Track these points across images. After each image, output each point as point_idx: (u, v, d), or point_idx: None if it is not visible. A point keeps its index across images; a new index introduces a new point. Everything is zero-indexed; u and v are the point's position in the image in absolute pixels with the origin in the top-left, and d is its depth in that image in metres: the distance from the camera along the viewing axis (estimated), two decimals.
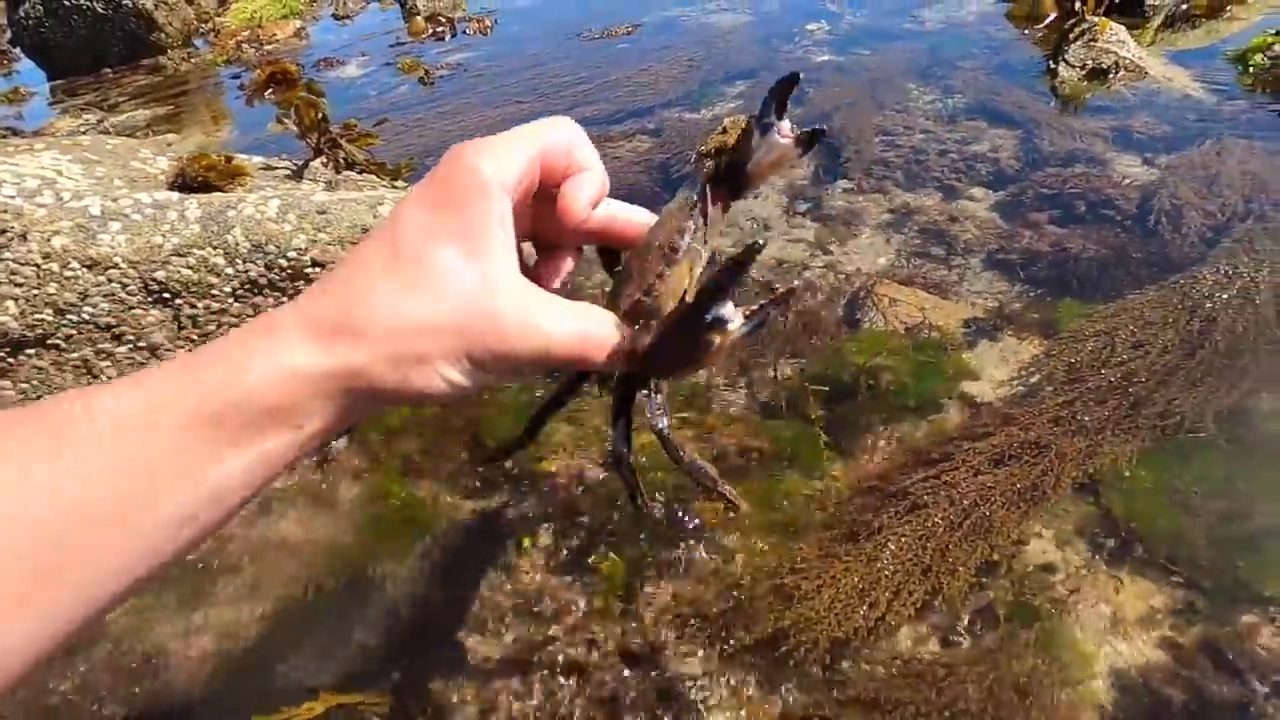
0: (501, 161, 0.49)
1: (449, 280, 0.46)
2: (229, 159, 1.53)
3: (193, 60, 4.82)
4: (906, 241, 2.06)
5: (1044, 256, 1.90)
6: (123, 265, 1.33)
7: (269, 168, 1.89)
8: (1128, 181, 2.13)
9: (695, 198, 0.61)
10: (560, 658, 1.18)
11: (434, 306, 0.46)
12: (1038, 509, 1.26)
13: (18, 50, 5.14)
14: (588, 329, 0.51)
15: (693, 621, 1.18)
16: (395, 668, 1.21)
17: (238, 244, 1.39)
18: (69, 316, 1.32)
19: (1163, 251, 1.84)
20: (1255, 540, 1.21)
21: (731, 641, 1.15)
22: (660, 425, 0.65)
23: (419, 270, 0.46)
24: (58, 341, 1.33)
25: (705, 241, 0.61)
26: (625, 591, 1.24)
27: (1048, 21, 3.27)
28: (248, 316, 1.45)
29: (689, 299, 0.51)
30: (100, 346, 1.36)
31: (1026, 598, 1.18)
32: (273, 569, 1.38)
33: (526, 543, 1.34)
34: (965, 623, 1.16)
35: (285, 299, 1.47)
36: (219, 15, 5.42)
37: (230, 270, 1.40)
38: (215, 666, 1.26)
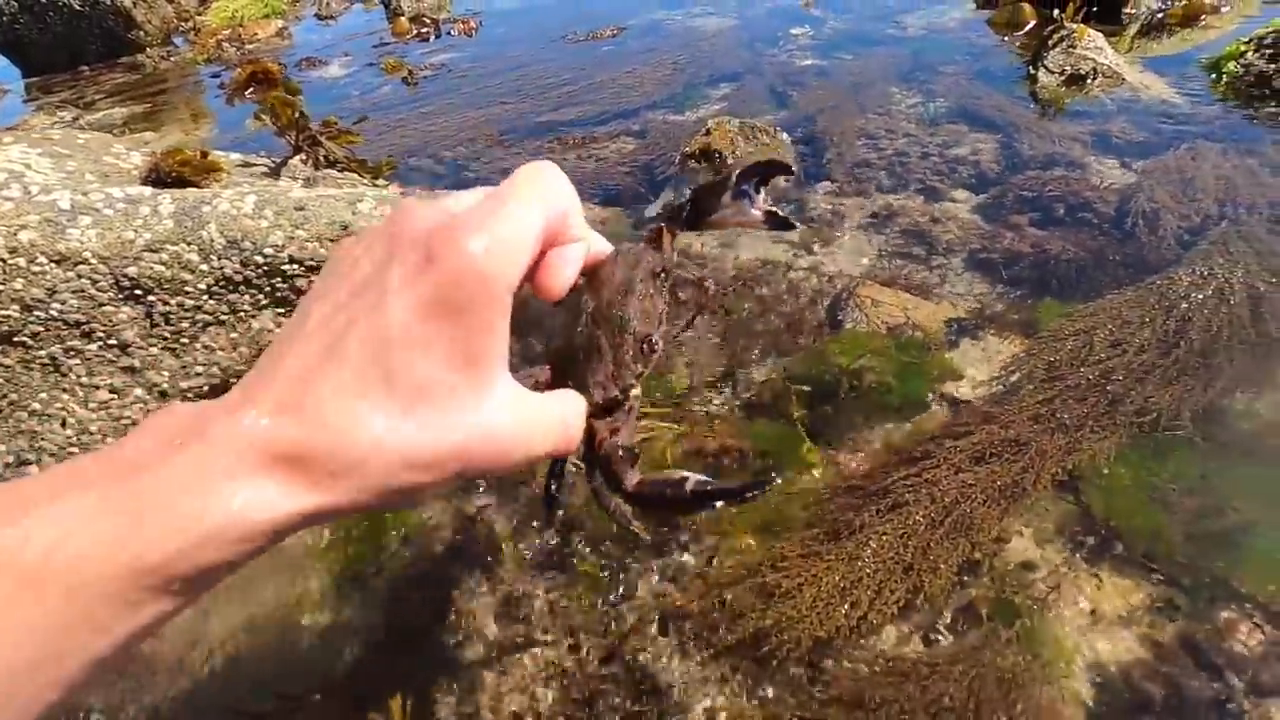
0: (510, 257, 0.41)
1: (447, 405, 0.41)
2: (204, 154, 1.50)
3: (172, 59, 4.76)
4: (889, 243, 2.07)
5: (1024, 257, 1.91)
6: (93, 261, 1.30)
7: (247, 164, 1.86)
8: (1106, 185, 2.16)
9: (663, 268, 0.59)
10: (541, 659, 1.16)
11: (435, 443, 0.40)
12: (1018, 506, 1.26)
13: None
14: (568, 432, 0.49)
15: (674, 621, 1.17)
16: (374, 670, 1.19)
17: (212, 240, 1.37)
18: (36, 313, 1.29)
19: (1140, 253, 1.86)
20: (1231, 537, 1.22)
21: (714, 641, 1.14)
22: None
23: (415, 399, 0.40)
24: (24, 339, 1.29)
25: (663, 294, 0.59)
26: (607, 592, 1.23)
27: (1027, 28, 3.31)
28: (222, 314, 1.42)
29: (686, 483, 0.50)
30: (69, 344, 1.33)
31: (1008, 595, 1.18)
32: (248, 573, 1.35)
33: (507, 545, 1.33)
34: (948, 620, 1.16)
35: (262, 296, 1.44)
36: (199, 14, 5.36)
37: (205, 267, 1.37)
38: (189, 671, 1.23)
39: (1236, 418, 1.41)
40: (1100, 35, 2.89)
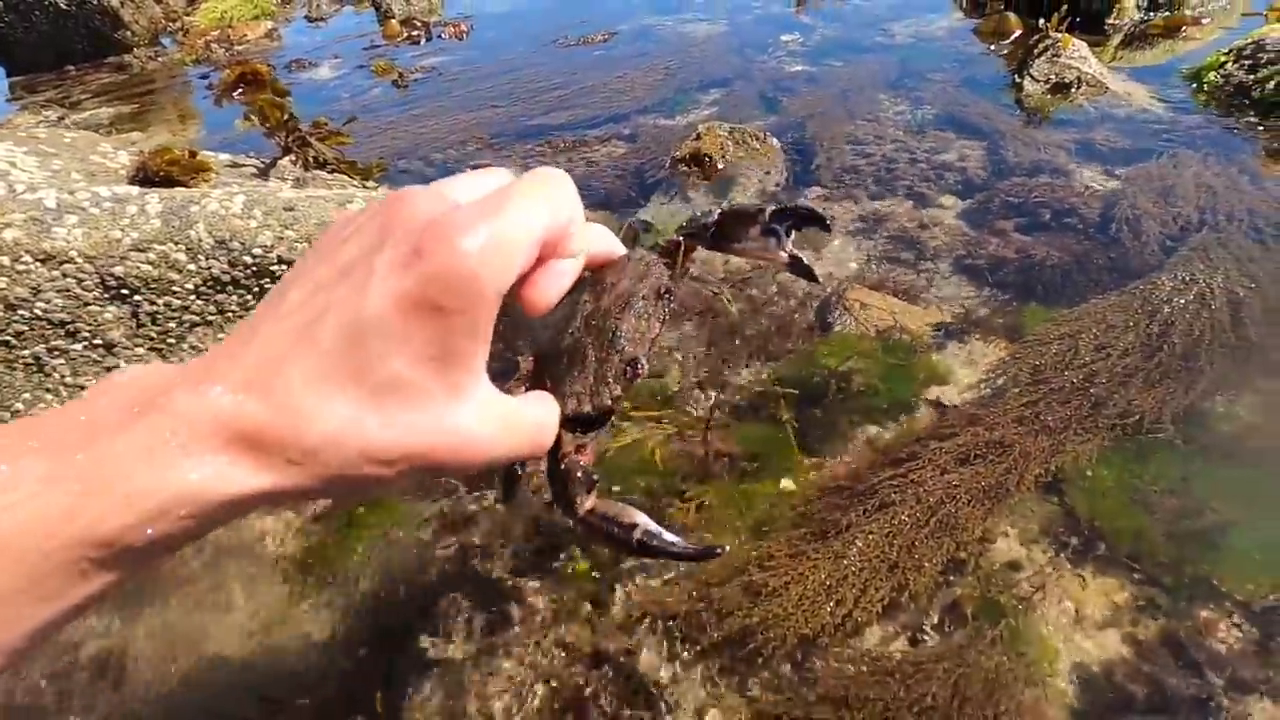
0: (503, 261, 0.40)
1: (416, 403, 0.40)
2: (193, 153, 1.50)
3: (160, 59, 4.73)
4: (877, 247, 2.09)
5: (1010, 262, 1.94)
6: (79, 260, 1.29)
7: (236, 165, 1.85)
8: (1090, 191, 2.19)
9: (671, 289, 0.57)
10: (528, 660, 1.16)
11: (399, 438, 0.40)
12: (1002, 506, 1.27)
13: None
14: (539, 439, 0.49)
15: (662, 620, 1.17)
16: (359, 673, 1.18)
17: (200, 240, 1.36)
18: (20, 312, 1.28)
19: (1123, 258, 1.89)
20: (1211, 537, 1.24)
21: (700, 640, 1.14)
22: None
23: (384, 393, 0.39)
24: (8, 338, 1.28)
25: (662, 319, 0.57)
26: (595, 592, 1.23)
27: (1013, 37, 3.36)
28: (210, 314, 1.41)
29: (635, 530, 0.51)
30: (54, 344, 1.32)
31: (993, 595, 1.19)
32: (230, 577, 1.34)
33: (494, 545, 1.33)
34: (933, 620, 1.17)
35: (250, 297, 1.44)
36: (188, 14, 5.33)
37: (192, 266, 1.36)
38: (173, 671, 1.22)
39: (1216, 420, 1.43)
40: (1084, 45, 2.93)
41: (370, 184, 1.96)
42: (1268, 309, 1.64)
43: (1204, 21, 3.38)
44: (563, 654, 1.16)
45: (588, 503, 0.52)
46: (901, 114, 2.83)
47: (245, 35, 4.89)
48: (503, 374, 1.56)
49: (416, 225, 0.40)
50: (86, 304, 1.31)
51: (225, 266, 1.38)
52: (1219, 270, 1.73)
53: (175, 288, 1.36)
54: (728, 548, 0.47)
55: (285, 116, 1.73)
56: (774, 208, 0.57)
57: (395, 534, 1.37)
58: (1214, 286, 1.68)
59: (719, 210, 0.61)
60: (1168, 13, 3.42)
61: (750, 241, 0.58)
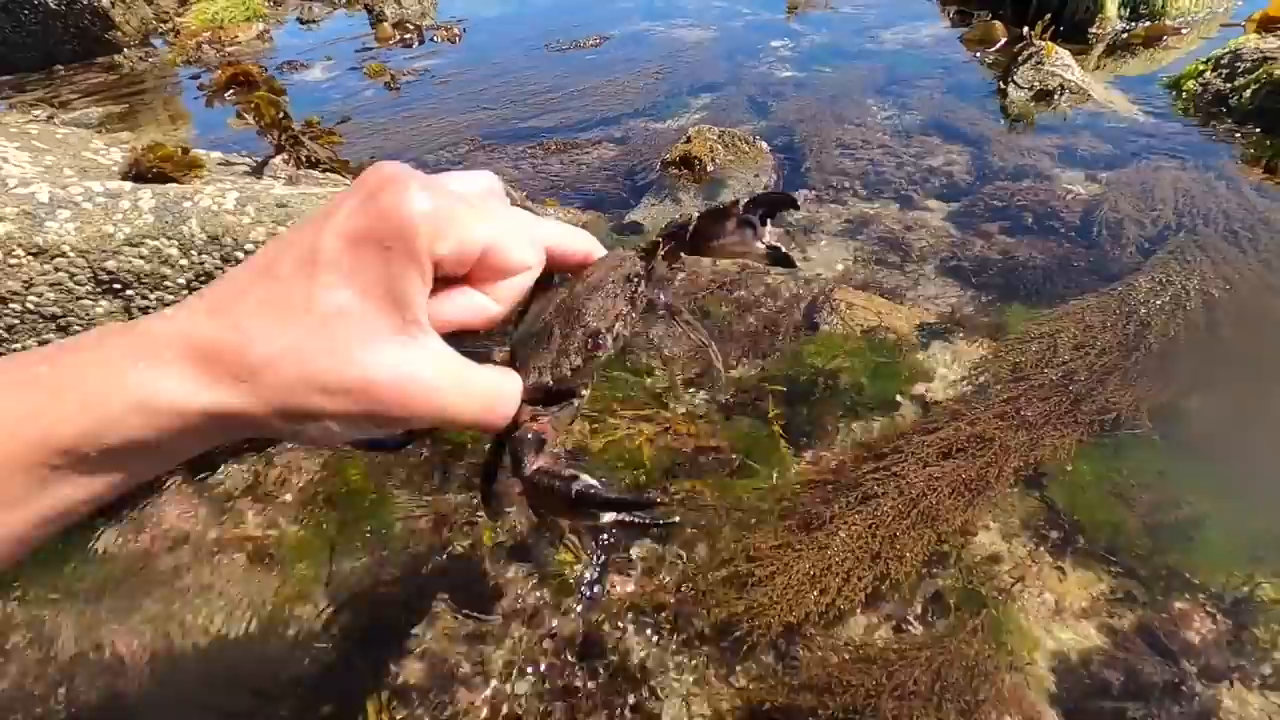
0: (444, 227, 0.43)
1: (354, 336, 0.42)
2: (185, 150, 1.51)
3: (150, 60, 4.72)
4: (864, 249, 2.12)
5: (994, 264, 1.97)
6: (71, 254, 1.30)
7: (228, 163, 1.86)
8: (1072, 196, 2.23)
9: (640, 274, 0.57)
10: (518, 651, 1.17)
11: (342, 368, 0.41)
12: (982, 499, 1.30)
13: None
14: (494, 406, 0.49)
15: (649, 610, 1.19)
16: (351, 666, 1.19)
17: (193, 235, 1.37)
18: (12, 305, 1.28)
19: (1103, 260, 1.93)
20: (1185, 530, 1.27)
21: (687, 629, 1.16)
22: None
23: (331, 323, 0.41)
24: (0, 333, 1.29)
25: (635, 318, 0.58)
26: (582, 583, 1.24)
27: (998, 45, 3.41)
28: None
29: (575, 482, 0.49)
30: (45, 337, 1.32)
31: (974, 586, 1.21)
32: (225, 570, 1.34)
33: (487, 536, 1.34)
34: (916, 610, 1.19)
35: None
36: (179, 15, 5.32)
37: (185, 262, 1.37)
38: (163, 665, 1.22)
39: (1191, 417, 1.47)
40: (1068, 53, 2.99)
41: None
42: (1241, 310, 1.69)
43: (1184, 31, 3.45)
44: (551, 644, 1.18)
45: (535, 462, 0.51)
46: (889, 119, 2.87)
47: (236, 37, 4.89)
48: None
49: (382, 178, 0.43)
50: (79, 298, 1.32)
51: (218, 262, 1.39)
52: (1195, 272, 1.78)
53: (168, 282, 1.37)
54: (676, 520, 0.47)
55: (279, 115, 1.74)
56: (746, 200, 0.57)
57: (386, 529, 1.38)
58: (1190, 288, 1.72)
59: (697, 213, 0.61)
60: (1149, 22, 3.49)
61: (728, 236, 0.59)
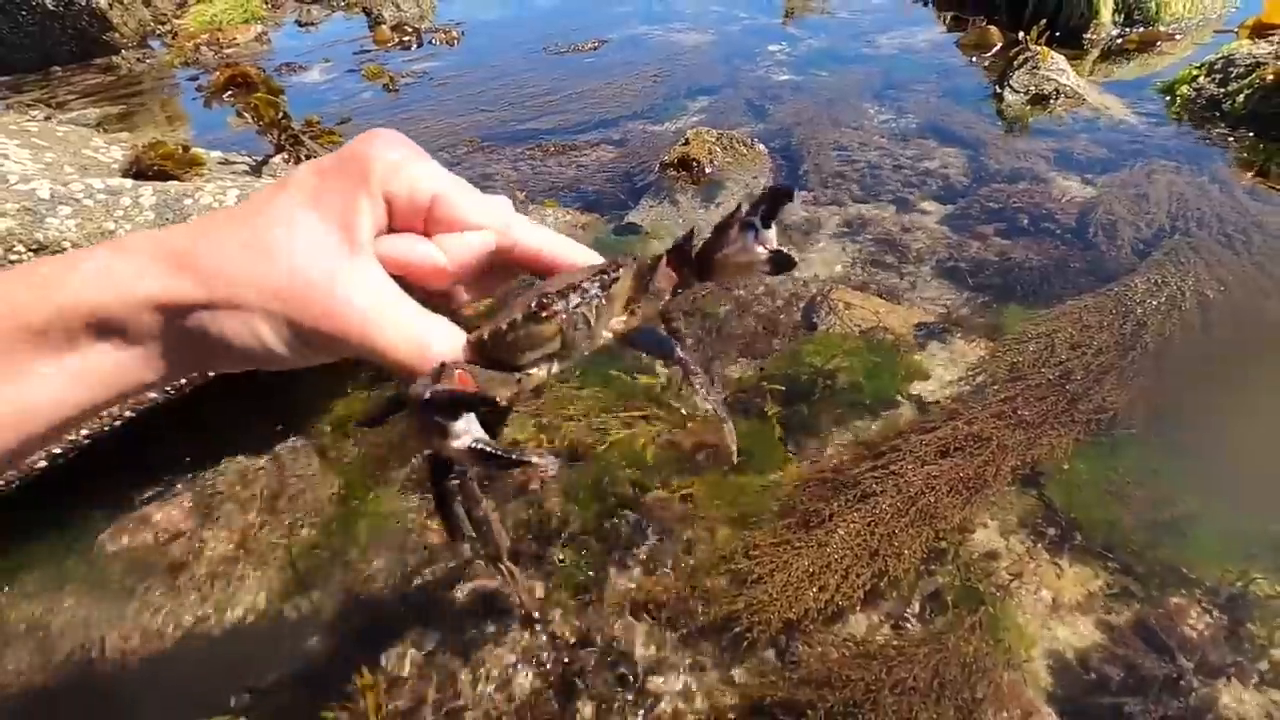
0: (402, 171, 0.47)
1: (298, 243, 0.44)
2: (186, 148, 1.51)
3: (148, 61, 4.72)
4: (862, 250, 2.13)
5: (990, 265, 1.98)
6: (71, 250, 1.30)
7: (227, 162, 1.87)
8: (1067, 198, 2.25)
9: (607, 264, 0.55)
10: (518, 647, 1.17)
11: (270, 264, 0.44)
12: (980, 496, 1.31)
13: None
14: (422, 346, 0.47)
15: (649, 607, 1.19)
16: (349, 661, 1.19)
17: None
18: None
19: (1099, 262, 1.94)
20: (1180, 527, 1.28)
21: (687, 626, 1.16)
22: (477, 512, 0.59)
23: (276, 228, 0.45)
24: None
25: (601, 316, 0.54)
26: (584, 582, 1.25)
27: (994, 50, 3.44)
28: None
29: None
30: None
31: (972, 583, 1.22)
32: (220, 568, 1.34)
33: None
34: (914, 607, 1.19)
35: None
36: (177, 17, 5.32)
37: None
38: (159, 662, 1.22)
39: (1186, 416, 1.48)
40: (1063, 58, 3.01)
41: None
42: (1235, 310, 1.70)
43: (1178, 37, 3.49)
44: (551, 642, 1.18)
45: (427, 388, 0.45)
46: (886, 122, 2.89)
47: (235, 39, 4.90)
48: None
49: (363, 134, 0.48)
50: None
51: None
52: (1190, 274, 1.79)
53: None
54: (551, 468, 0.45)
55: (279, 114, 1.74)
56: (748, 204, 0.55)
57: (384, 526, 1.38)
58: (1185, 289, 1.74)
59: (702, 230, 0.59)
60: (1143, 28, 3.52)
61: (732, 245, 0.56)
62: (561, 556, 1.28)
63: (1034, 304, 1.82)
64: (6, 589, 1.32)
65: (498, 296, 0.57)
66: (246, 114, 1.77)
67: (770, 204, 0.55)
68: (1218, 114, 2.63)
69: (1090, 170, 2.40)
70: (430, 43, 4.43)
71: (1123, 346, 1.60)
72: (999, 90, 2.99)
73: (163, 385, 0.50)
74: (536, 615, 0.61)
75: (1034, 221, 2.15)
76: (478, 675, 1.15)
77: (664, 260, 0.58)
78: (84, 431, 1.37)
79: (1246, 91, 2.57)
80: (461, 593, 1.26)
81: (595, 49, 4.03)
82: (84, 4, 4.65)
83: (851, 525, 1.23)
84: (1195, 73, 2.82)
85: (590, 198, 2.50)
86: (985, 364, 1.63)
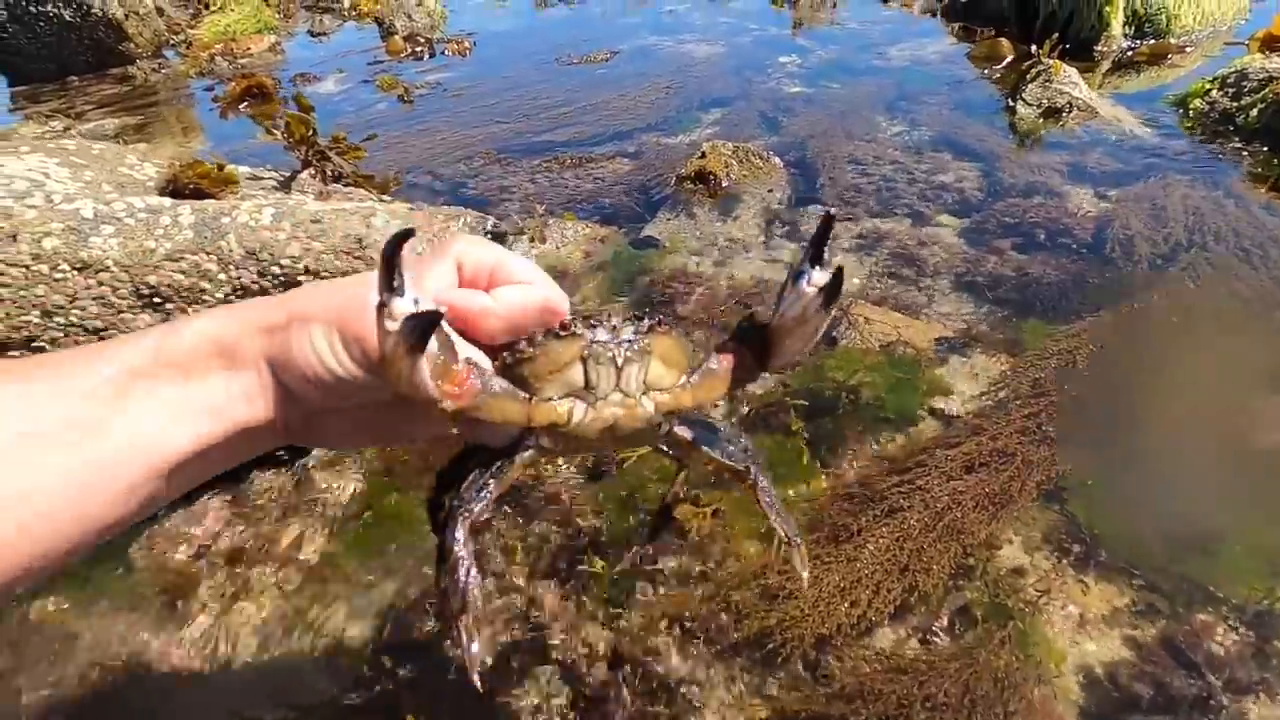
0: (479, 248, 0.57)
1: (366, 281, 0.50)
2: (221, 166, 1.54)
3: (163, 71, 4.76)
4: (879, 264, 2.15)
5: (1008, 280, 2.00)
6: (114, 269, 1.32)
7: (256, 178, 1.89)
8: (1083, 213, 2.26)
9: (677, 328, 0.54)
10: (552, 660, 1.19)
11: (339, 291, 0.54)
12: (1006, 512, 1.32)
13: None
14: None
15: (681, 622, 1.21)
16: (385, 678, 1.20)
17: (231, 250, 1.40)
18: (56, 319, 1.31)
19: (1117, 277, 1.96)
20: (1205, 543, 1.29)
21: (720, 641, 1.18)
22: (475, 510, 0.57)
23: (355, 279, 0.55)
24: (43, 344, 1.31)
25: (632, 364, 0.52)
26: (615, 595, 1.27)
27: (1005, 62, 3.46)
28: None
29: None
30: None
31: (1000, 599, 1.24)
32: (262, 583, 1.36)
33: (517, 548, 1.36)
34: (944, 623, 1.21)
35: None
36: (191, 28, 5.37)
37: (223, 276, 1.40)
38: (192, 673, 1.23)
39: (1207, 430, 1.49)
40: (1075, 71, 3.03)
41: (386, 197, 2.01)
42: (1255, 325, 1.72)
43: (1188, 49, 3.51)
44: (585, 655, 1.19)
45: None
46: (899, 135, 2.91)
47: (249, 49, 4.94)
48: None
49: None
50: (120, 312, 1.34)
51: (254, 276, 1.41)
52: (1207, 289, 1.81)
53: (206, 296, 1.39)
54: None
55: (309, 132, 1.77)
56: (803, 253, 0.53)
57: (416, 539, 1.40)
58: (1203, 305, 1.75)
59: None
60: (1154, 40, 3.55)
61: (784, 302, 0.53)
62: (591, 569, 1.30)
63: (1054, 319, 1.83)
64: (37, 601, 1.34)
65: None
66: (276, 131, 1.80)
67: (816, 244, 0.52)
68: (1231, 128, 2.64)
69: (1105, 184, 2.42)
70: (442, 53, 4.47)
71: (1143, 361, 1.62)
72: (1011, 103, 3.01)
73: (261, 437, 0.56)
74: (479, 686, 0.58)
75: (1050, 236, 2.16)
76: (513, 691, 1.16)
77: (729, 357, 0.54)
78: None
79: (1260, 106, 2.59)
80: (496, 608, 1.28)
81: (607, 60, 4.06)
82: (100, 15, 4.70)
83: (880, 540, 1.25)
84: (1208, 86, 2.84)
85: (608, 210, 2.52)
86: (1007, 379, 1.65)
